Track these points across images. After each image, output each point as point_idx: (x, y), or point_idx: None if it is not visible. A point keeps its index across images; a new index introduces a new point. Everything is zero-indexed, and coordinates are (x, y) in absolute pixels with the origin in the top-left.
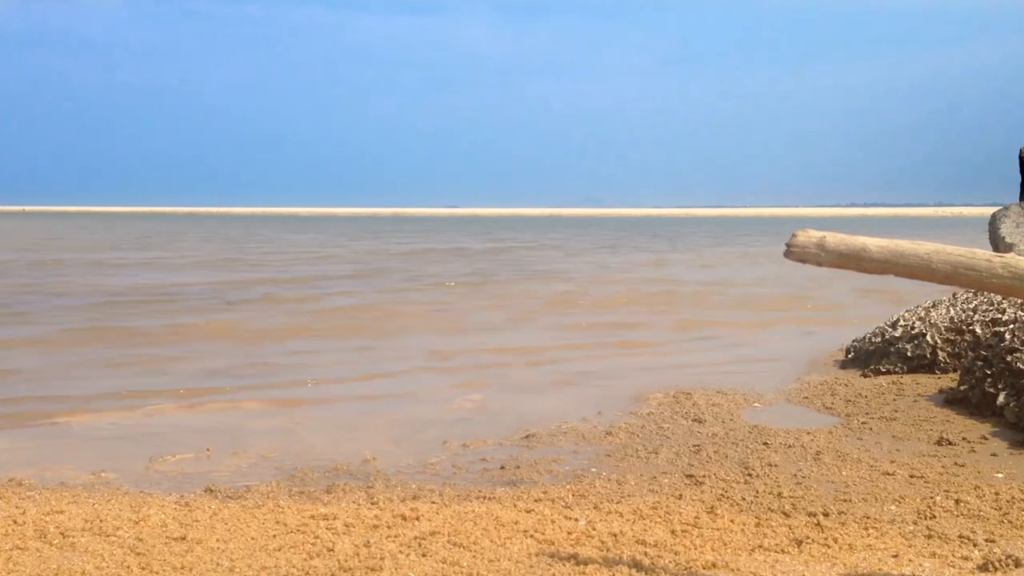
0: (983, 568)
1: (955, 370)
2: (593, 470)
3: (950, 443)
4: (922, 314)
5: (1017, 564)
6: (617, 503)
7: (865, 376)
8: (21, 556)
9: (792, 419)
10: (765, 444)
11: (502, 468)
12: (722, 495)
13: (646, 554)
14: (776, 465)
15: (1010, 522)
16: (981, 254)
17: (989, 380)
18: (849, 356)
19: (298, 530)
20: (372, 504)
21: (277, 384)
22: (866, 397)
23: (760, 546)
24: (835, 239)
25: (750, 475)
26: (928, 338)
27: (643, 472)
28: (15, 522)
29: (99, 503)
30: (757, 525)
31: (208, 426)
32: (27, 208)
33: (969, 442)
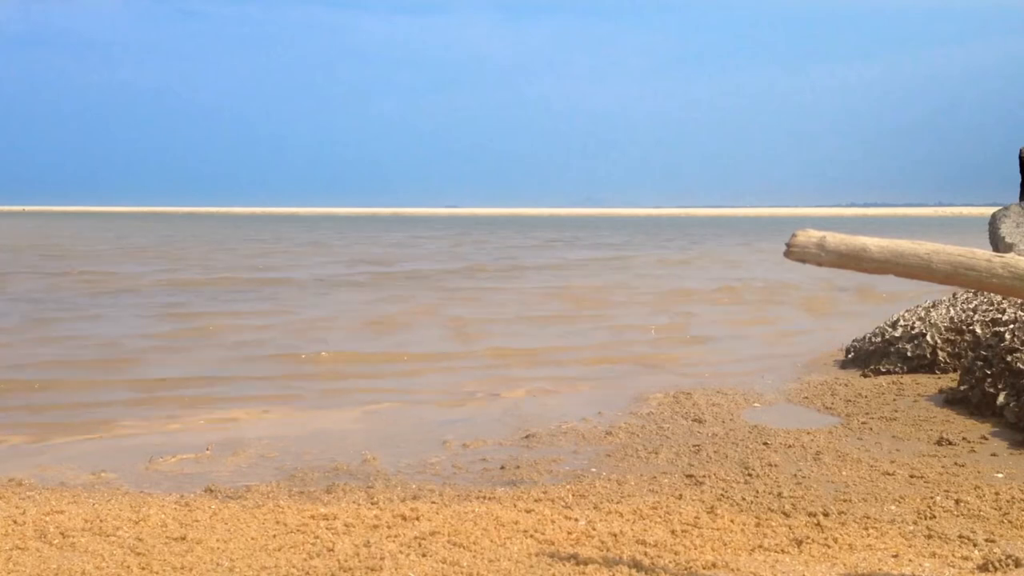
0: (983, 568)
1: (955, 370)
2: (593, 470)
3: (950, 443)
4: (922, 314)
5: (1017, 564)
6: (617, 503)
7: (865, 376)
8: (21, 556)
9: (792, 419)
10: (765, 444)
11: (502, 468)
12: (722, 495)
13: (646, 554)
14: (776, 465)
15: (1010, 522)
16: (981, 254)
17: (989, 380)
18: (849, 356)
19: (298, 530)
20: (372, 504)
21: (277, 383)
22: (866, 397)
23: (760, 546)
24: (835, 239)
25: (750, 475)
26: (928, 338)
27: (643, 472)
28: (15, 522)
29: (99, 503)
30: (757, 525)
31: (208, 426)
32: (27, 208)
33: (969, 442)
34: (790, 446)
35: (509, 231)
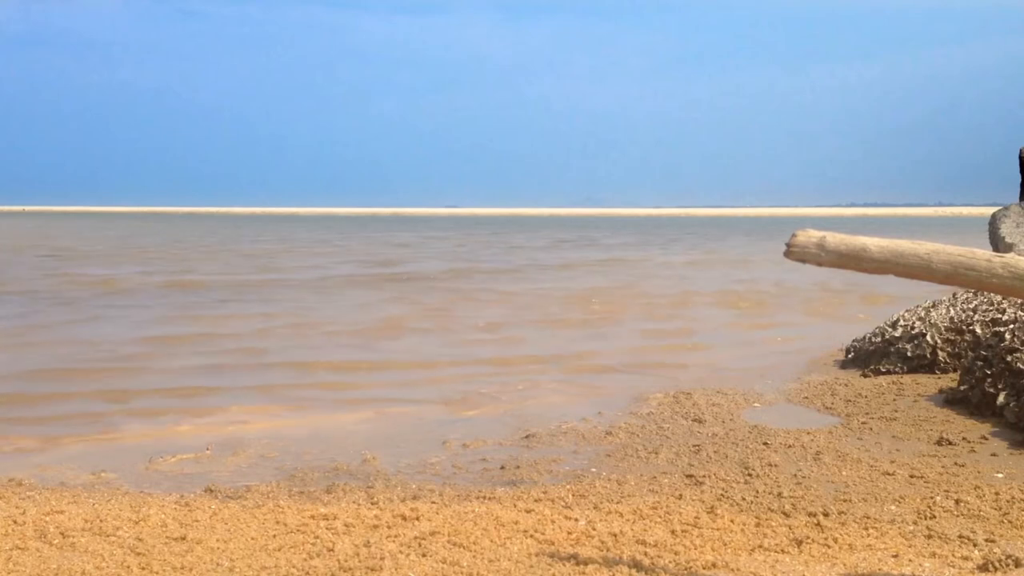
0: (983, 568)
1: (955, 370)
2: (593, 470)
3: (950, 443)
4: (922, 314)
5: (1017, 564)
6: (617, 503)
7: (865, 376)
8: (21, 556)
9: (792, 419)
10: (765, 444)
11: (502, 468)
12: (722, 495)
13: (646, 554)
14: (776, 465)
15: (1010, 522)
16: (981, 254)
17: (989, 380)
18: (849, 356)
19: (298, 530)
20: (372, 504)
21: (278, 383)
22: (866, 397)
23: (760, 546)
24: (835, 239)
25: (750, 475)
26: (928, 338)
27: (643, 472)
28: (15, 522)
29: (99, 503)
30: (757, 525)
31: (208, 426)
32: (27, 208)
33: (969, 442)
34: (790, 446)
35: (511, 231)
